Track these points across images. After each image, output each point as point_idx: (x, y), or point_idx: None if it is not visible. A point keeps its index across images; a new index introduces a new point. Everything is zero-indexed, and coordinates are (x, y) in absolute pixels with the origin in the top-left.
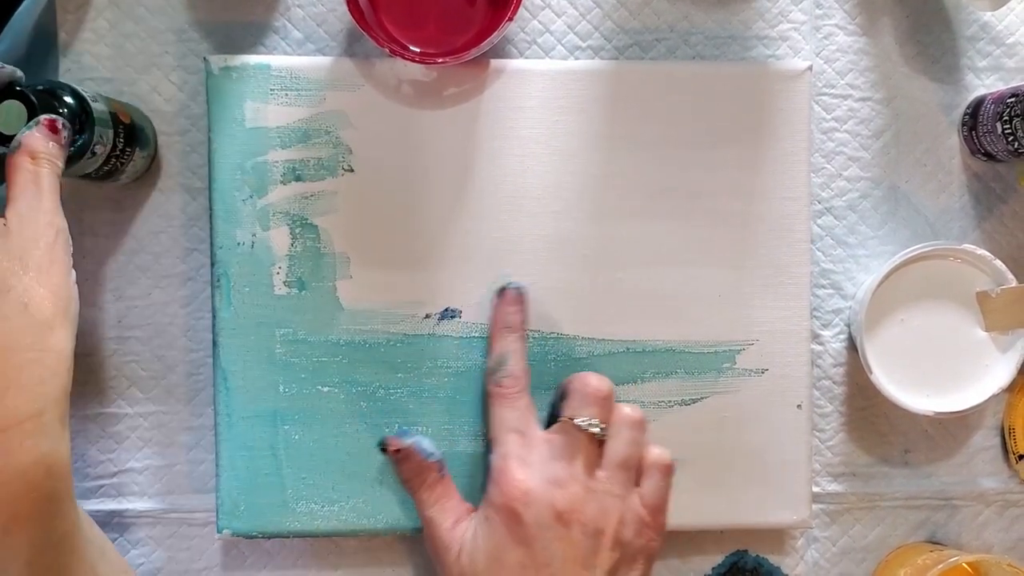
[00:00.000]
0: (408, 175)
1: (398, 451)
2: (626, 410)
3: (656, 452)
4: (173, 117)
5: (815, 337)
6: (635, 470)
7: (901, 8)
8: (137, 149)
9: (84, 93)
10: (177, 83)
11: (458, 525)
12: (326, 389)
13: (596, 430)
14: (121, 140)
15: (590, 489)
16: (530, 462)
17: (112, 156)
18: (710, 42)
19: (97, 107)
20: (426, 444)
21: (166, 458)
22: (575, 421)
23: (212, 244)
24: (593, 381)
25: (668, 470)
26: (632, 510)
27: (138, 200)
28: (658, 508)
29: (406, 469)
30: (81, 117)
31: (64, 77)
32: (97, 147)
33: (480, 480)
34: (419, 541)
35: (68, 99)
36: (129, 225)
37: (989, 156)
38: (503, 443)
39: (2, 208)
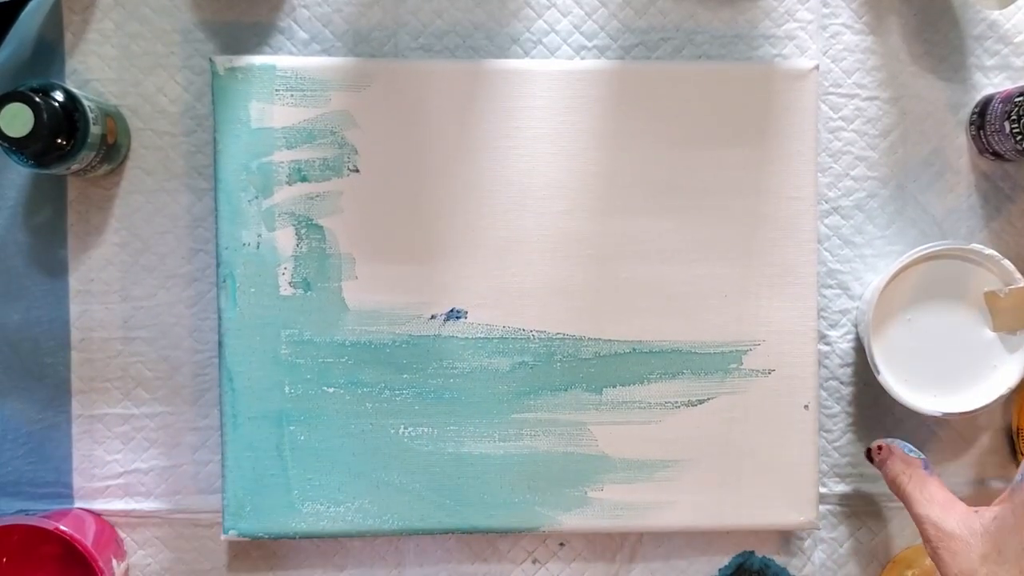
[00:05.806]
0: (413, 175)
1: (880, 448)
2: None
3: None
4: (178, 117)
5: (822, 337)
6: None
7: (908, 7)
8: (105, 164)
9: (89, 114)
10: (183, 83)
11: (956, 514)
12: (331, 390)
13: None
14: (97, 159)
15: None
16: None
17: (80, 169)
18: (716, 41)
19: (94, 131)
20: (907, 445)
21: (172, 459)
22: None
23: (217, 245)
24: None
25: None
26: None
27: (144, 201)
28: None
29: (890, 467)
30: (74, 136)
31: (70, 78)
32: (74, 165)
33: (489, 482)
34: (424, 541)
35: (68, 107)
36: (135, 226)
37: (997, 155)
38: None
39: None
